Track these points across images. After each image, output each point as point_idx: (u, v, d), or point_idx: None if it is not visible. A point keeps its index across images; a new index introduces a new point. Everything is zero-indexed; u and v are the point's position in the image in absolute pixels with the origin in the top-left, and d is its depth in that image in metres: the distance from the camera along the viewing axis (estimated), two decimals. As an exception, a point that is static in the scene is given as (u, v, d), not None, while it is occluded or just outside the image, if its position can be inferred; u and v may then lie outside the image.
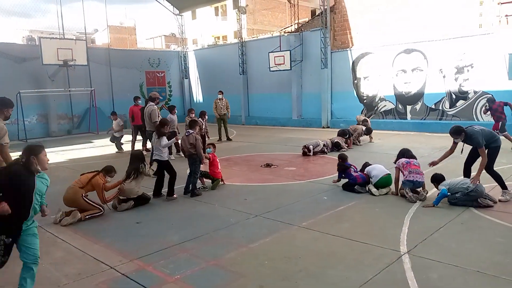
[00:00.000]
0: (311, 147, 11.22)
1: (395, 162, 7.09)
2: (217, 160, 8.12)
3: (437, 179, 6.49)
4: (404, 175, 6.65)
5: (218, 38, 37.37)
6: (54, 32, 21.64)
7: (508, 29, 13.01)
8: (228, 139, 15.18)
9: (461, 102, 14.96)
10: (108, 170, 6.65)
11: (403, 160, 6.92)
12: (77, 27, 24.03)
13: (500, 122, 11.02)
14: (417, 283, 3.82)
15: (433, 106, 15.69)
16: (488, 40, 13.80)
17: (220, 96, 15.25)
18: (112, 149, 13.65)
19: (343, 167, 7.49)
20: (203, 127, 11.70)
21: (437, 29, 15.15)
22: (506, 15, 13.16)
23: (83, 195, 6.20)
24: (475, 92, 14.55)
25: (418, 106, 16.14)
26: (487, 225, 5.36)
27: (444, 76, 15.23)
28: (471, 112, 14.71)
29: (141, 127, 11.54)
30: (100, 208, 6.35)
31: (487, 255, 4.39)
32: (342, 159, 7.67)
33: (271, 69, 19.52)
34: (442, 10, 15.05)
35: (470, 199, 6.02)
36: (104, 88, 21.98)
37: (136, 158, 7.03)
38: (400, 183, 6.80)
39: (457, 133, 6.42)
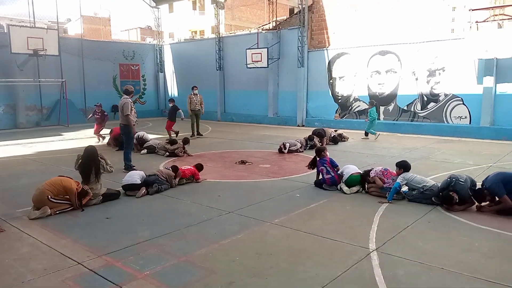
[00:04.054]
0: (287, 145, 11.31)
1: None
2: (183, 168, 7.97)
3: (404, 166, 6.69)
4: (386, 183, 6.75)
5: (195, 32, 37.04)
6: (24, 20, 20.85)
7: (478, 35, 13.43)
8: (199, 134, 15.10)
9: (432, 104, 15.37)
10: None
11: (378, 168, 7.05)
12: (49, 15, 23.38)
13: None
14: (384, 279, 3.90)
15: (405, 108, 16.06)
16: (459, 45, 14.22)
17: (195, 92, 15.13)
18: (80, 143, 13.31)
19: (314, 165, 7.62)
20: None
21: (411, 32, 15.51)
22: (477, 22, 13.58)
23: (49, 197, 5.98)
24: (445, 95, 14.98)
25: (391, 107, 16.49)
26: (452, 224, 5.54)
27: (416, 79, 15.62)
28: (441, 114, 15.15)
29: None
30: (70, 203, 6.18)
31: (451, 253, 4.54)
32: (318, 152, 7.77)
33: (248, 66, 19.50)
34: (416, 14, 15.41)
35: (425, 197, 6.31)
36: (76, 80, 21.41)
37: (93, 157, 6.63)
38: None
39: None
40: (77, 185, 6.27)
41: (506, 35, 12.87)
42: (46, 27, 21.53)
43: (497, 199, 5.88)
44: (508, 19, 13.21)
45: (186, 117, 14.95)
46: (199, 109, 15.03)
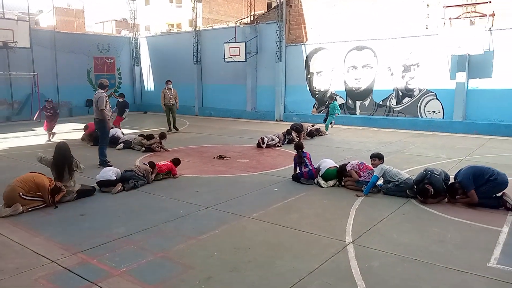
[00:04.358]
0: (266, 139, 11.33)
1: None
2: (159, 164, 7.90)
3: (379, 156, 6.87)
4: (362, 177, 6.86)
5: (172, 25, 36.56)
6: (-7, 11, 20.11)
7: (451, 32, 13.74)
8: (176, 128, 14.90)
9: (407, 99, 15.67)
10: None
11: (354, 162, 7.16)
12: (20, 6, 22.67)
13: None
14: (360, 271, 3.98)
15: (381, 103, 16.32)
16: (433, 41, 14.51)
17: (169, 86, 14.86)
18: (57, 137, 12.97)
19: (300, 160, 7.62)
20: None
21: (387, 28, 15.73)
22: (450, 18, 13.89)
23: (21, 194, 5.81)
24: (420, 90, 15.29)
25: (367, 102, 16.72)
26: (426, 216, 5.68)
27: (392, 74, 15.88)
28: (415, 109, 15.46)
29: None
30: (43, 200, 6.02)
31: (424, 244, 4.66)
32: (298, 147, 7.80)
33: (226, 60, 19.38)
34: (392, 10, 15.62)
35: (400, 190, 6.46)
36: (49, 73, 20.76)
37: (65, 154, 6.48)
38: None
39: None
40: (50, 182, 6.12)
41: (477, 32, 13.21)
42: (16, 19, 20.79)
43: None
44: (480, 16, 13.55)
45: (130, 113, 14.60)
46: (173, 104, 14.79)
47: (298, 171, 7.61)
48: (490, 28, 13.41)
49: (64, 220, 5.61)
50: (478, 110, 14.03)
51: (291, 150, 10.66)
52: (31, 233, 5.09)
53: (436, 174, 6.16)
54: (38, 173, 6.25)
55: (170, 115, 14.81)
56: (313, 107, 18.11)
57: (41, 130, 15.55)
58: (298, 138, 12.23)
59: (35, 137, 13.81)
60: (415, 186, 6.35)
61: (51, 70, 20.92)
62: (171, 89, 14.84)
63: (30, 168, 7.46)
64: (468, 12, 13.87)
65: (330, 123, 14.31)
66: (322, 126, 14.26)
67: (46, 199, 6.00)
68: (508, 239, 4.77)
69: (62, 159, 6.44)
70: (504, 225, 5.21)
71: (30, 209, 5.84)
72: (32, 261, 4.25)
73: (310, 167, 7.46)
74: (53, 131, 13.09)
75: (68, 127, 16.44)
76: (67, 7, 44.51)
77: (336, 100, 15.08)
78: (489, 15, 13.40)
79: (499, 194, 5.90)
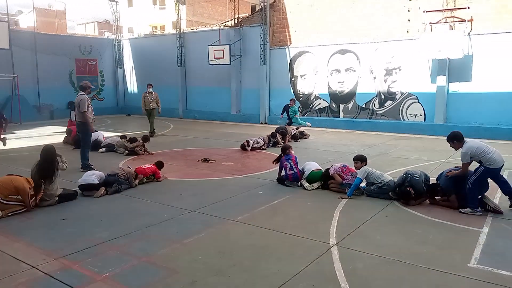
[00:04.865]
0: (251, 142, 11.34)
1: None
2: (143, 167, 7.85)
3: (362, 159, 6.89)
4: (346, 179, 6.92)
5: (156, 28, 36.29)
6: (-30, 11, 19.67)
7: (431, 36, 14.02)
8: (152, 134, 13.90)
9: (389, 102, 15.89)
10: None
11: (337, 165, 7.22)
12: (-2, 6, 22.09)
13: None
14: (344, 273, 4.01)
15: (364, 106, 16.51)
16: (414, 45, 14.78)
17: (149, 90, 14.43)
18: (34, 141, 12.72)
19: (280, 162, 7.71)
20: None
21: (369, 32, 15.94)
22: (430, 23, 14.16)
23: (0, 199, 5.67)
24: (402, 93, 15.53)
25: (350, 105, 16.90)
26: (408, 217, 5.77)
27: (374, 77, 16.09)
28: (398, 112, 15.70)
29: None
30: (23, 204, 5.89)
31: (407, 246, 4.73)
32: (283, 150, 7.91)
33: (210, 62, 19.34)
34: (374, 14, 15.85)
35: (382, 192, 6.54)
36: (29, 75, 20.36)
37: (50, 158, 6.33)
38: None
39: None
40: (29, 184, 5.97)
41: (457, 37, 13.51)
42: (-5, 19, 20.36)
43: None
44: (459, 21, 13.86)
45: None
46: (154, 108, 14.35)
47: (283, 173, 7.63)
48: (469, 33, 13.73)
49: (45, 224, 5.51)
50: (458, 113, 14.33)
51: (276, 153, 10.69)
52: (10, 238, 4.98)
53: (416, 177, 6.26)
54: (16, 175, 6.10)
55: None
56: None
57: (22, 133, 15.26)
58: (283, 141, 12.28)
59: (16, 140, 13.50)
60: (397, 189, 6.44)
61: (31, 72, 20.52)
62: (151, 92, 14.43)
63: (11, 172, 7.28)
64: (448, 17, 14.18)
65: (301, 121, 14.62)
66: (306, 129, 14.34)
67: (27, 203, 5.87)
68: (488, 240, 4.88)
69: (48, 163, 6.29)
70: (484, 226, 5.33)
71: (10, 214, 5.71)
72: (12, 267, 4.16)
73: (295, 169, 7.50)
74: (1, 137, 12.37)
75: (49, 130, 16.15)
76: (48, 8, 43.76)
77: (295, 104, 15.05)
78: (468, 20, 13.71)
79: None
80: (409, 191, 6.16)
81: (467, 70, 14.00)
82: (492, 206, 5.85)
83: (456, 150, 6.19)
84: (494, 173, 5.90)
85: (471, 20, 13.74)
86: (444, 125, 14.27)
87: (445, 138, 6.29)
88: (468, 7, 13.68)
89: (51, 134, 14.92)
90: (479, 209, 5.81)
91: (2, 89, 19.27)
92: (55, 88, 21.26)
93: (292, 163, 7.58)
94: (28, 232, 5.21)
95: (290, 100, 14.97)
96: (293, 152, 7.99)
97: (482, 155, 5.78)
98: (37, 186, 6.01)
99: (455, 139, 6.07)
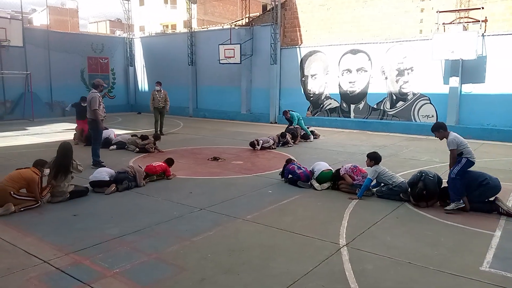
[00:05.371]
0: (261, 141, 11.34)
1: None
2: (153, 164, 7.90)
3: (375, 158, 6.81)
4: (356, 180, 6.88)
5: (167, 26, 36.47)
6: (-14, 9, 19.97)
7: (444, 37, 13.86)
8: (161, 133, 13.70)
9: (401, 103, 15.76)
10: (41, 164, 6.17)
11: (348, 166, 7.18)
12: (13, 4, 22.50)
13: None
14: (354, 274, 3.98)
15: (375, 106, 16.39)
16: (427, 45, 14.62)
17: (158, 88, 14.30)
18: (46, 137, 12.87)
19: (286, 170, 7.68)
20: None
21: (381, 32, 15.82)
22: (443, 23, 14.00)
23: (12, 193, 5.75)
24: (413, 94, 15.38)
25: (361, 106, 16.79)
26: (419, 219, 5.71)
27: (386, 78, 15.96)
28: (409, 113, 15.55)
29: None
30: (35, 200, 5.97)
31: (417, 247, 4.68)
32: (286, 162, 7.92)
33: (221, 61, 19.37)
34: (386, 14, 15.72)
35: (393, 193, 6.49)
36: (42, 73, 20.62)
37: (66, 154, 6.43)
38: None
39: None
40: (38, 173, 6.04)
41: (470, 37, 13.33)
42: (9, 17, 20.65)
43: None
44: (473, 22, 13.68)
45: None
46: (163, 106, 14.24)
47: (289, 175, 7.57)
48: (483, 33, 13.55)
49: (57, 220, 5.57)
50: (471, 115, 14.15)
51: (285, 153, 10.69)
52: (23, 233, 5.04)
53: (430, 176, 6.20)
54: (24, 168, 6.20)
55: (159, 118, 14.26)
56: (308, 110, 18.15)
57: (34, 130, 15.46)
58: (293, 141, 12.24)
59: (28, 136, 13.69)
60: (409, 189, 6.38)
61: (44, 69, 20.77)
62: (160, 91, 14.26)
63: (19, 166, 7.37)
64: (461, 18, 14.00)
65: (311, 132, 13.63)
66: (317, 129, 14.25)
67: (36, 193, 5.94)
68: (501, 243, 4.80)
69: (63, 158, 6.40)
70: (496, 229, 5.25)
71: (22, 209, 5.79)
72: (24, 261, 4.21)
73: (303, 168, 7.49)
74: None
75: (61, 126, 16.33)
76: (61, 6, 44.28)
77: (289, 112, 13.84)
78: (482, 21, 13.53)
79: (491, 199, 5.94)
80: (423, 194, 6.09)
81: (481, 71, 13.81)
82: (505, 209, 5.77)
83: (440, 139, 6.30)
84: (471, 166, 6.02)
85: (485, 21, 13.55)
86: (456, 126, 14.05)
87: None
88: (482, 8, 13.50)
89: (63, 131, 15.07)
90: (461, 201, 5.88)
91: (16, 86, 19.54)
92: (67, 85, 21.48)
93: (298, 164, 7.62)
94: (40, 227, 5.27)
95: (284, 113, 13.92)
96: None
97: (464, 147, 5.97)
98: (53, 177, 6.13)
99: (441, 128, 6.22)
